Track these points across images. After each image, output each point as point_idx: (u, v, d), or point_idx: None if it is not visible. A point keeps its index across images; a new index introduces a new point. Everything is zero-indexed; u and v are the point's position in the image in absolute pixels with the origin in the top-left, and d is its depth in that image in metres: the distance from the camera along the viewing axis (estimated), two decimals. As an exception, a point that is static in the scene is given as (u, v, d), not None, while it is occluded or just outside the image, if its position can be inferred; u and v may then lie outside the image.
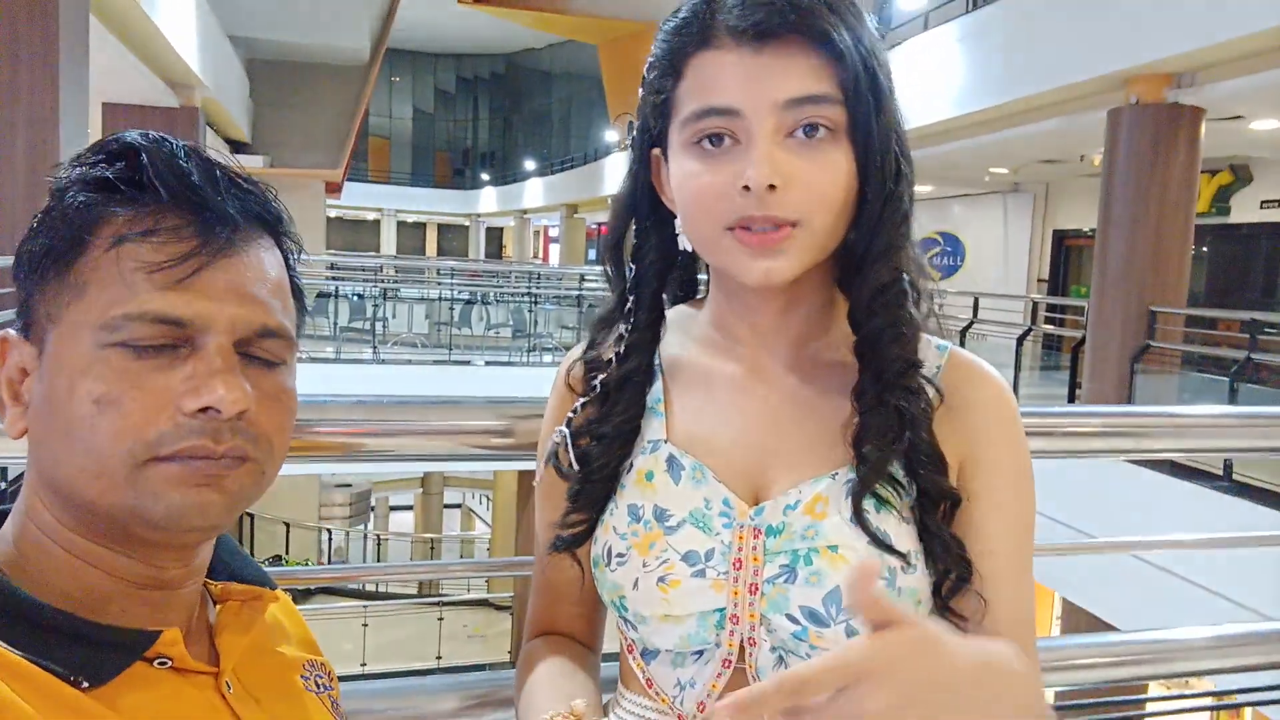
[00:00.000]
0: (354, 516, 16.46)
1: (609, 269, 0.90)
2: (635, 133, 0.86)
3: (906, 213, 0.80)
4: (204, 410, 0.64)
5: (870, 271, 0.79)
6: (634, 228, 0.89)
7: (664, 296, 0.90)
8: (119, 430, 0.63)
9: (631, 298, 0.88)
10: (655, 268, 0.88)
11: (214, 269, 0.66)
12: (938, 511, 0.81)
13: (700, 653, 0.83)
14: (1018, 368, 8.72)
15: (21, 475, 0.73)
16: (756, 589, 0.80)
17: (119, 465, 0.63)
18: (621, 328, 0.89)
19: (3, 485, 3.20)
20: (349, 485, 17.46)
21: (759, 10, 0.74)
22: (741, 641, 0.81)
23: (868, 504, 0.79)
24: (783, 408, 0.85)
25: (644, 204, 0.87)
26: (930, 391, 0.81)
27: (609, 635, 0.96)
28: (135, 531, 0.66)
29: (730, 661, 0.82)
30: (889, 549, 0.78)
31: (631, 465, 0.86)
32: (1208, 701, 2.90)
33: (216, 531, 0.71)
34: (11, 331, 0.68)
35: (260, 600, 0.77)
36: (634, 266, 0.88)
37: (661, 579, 0.81)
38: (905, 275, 0.80)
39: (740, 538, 0.81)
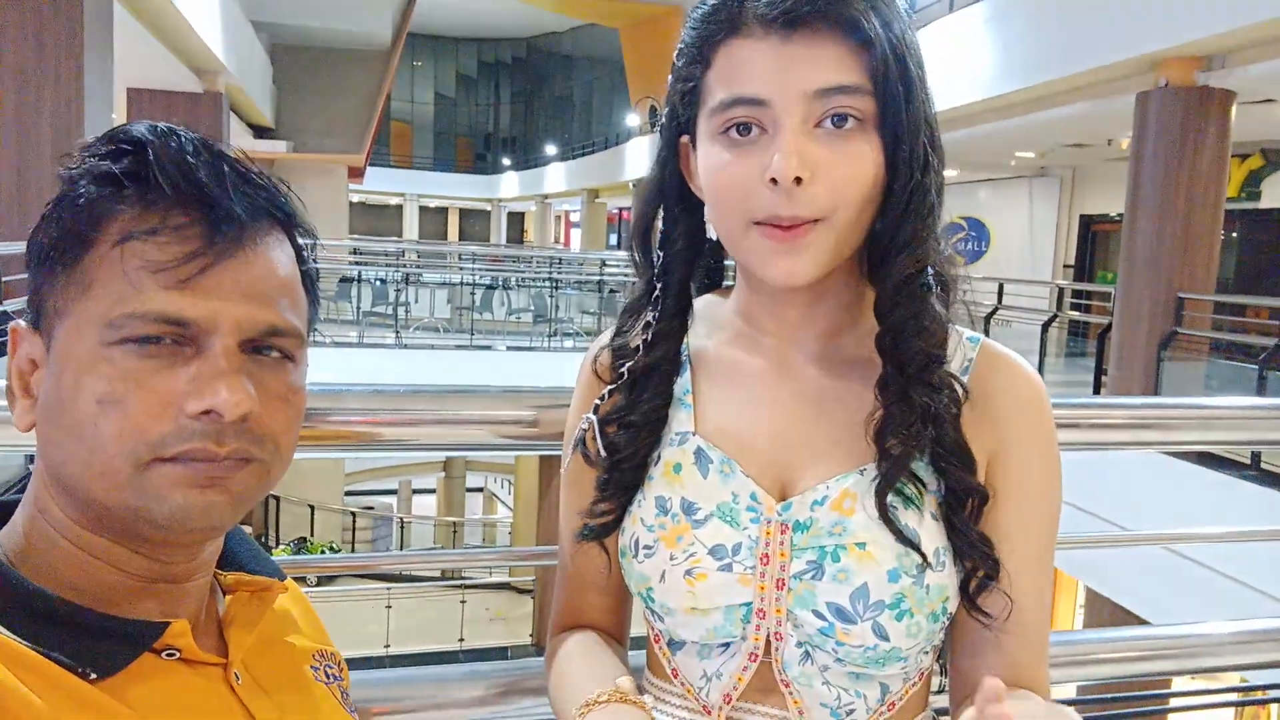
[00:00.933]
0: (377, 540, 16.49)
1: (636, 256, 0.89)
2: (664, 119, 0.85)
3: (933, 204, 0.78)
4: (206, 413, 0.64)
5: (894, 264, 0.78)
6: (662, 215, 0.88)
7: (691, 285, 0.90)
8: (121, 430, 0.63)
9: (659, 285, 0.88)
10: (682, 255, 0.87)
11: (221, 268, 0.65)
12: (965, 508, 0.80)
13: (726, 645, 0.83)
14: (1043, 354, 8.65)
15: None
16: (783, 584, 0.80)
17: (122, 465, 0.63)
18: (649, 316, 0.88)
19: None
20: (371, 508, 17.54)
21: None
22: (768, 636, 0.81)
23: (894, 500, 0.78)
24: (810, 402, 0.85)
25: (672, 191, 0.86)
26: (956, 387, 0.80)
27: (636, 621, 0.96)
28: (141, 530, 0.66)
29: (756, 655, 0.82)
30: (915, 547, 0.78)
31: (659, 457, 0.86)
32: (1234, 697, 2.87)
33: (221, 531, 0.71)
34: (22, 323, 0.68)
35: (269, 591, 0.77)
36: (661, 254, 0.88)
37: (688, 572, 0.81)
38: (931, 268, 0.79)
39: (767, 533, 0.80)
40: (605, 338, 0.93)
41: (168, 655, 0.66)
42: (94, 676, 0.61)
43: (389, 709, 1.13)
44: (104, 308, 0.63)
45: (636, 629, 0.93)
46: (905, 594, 0.77)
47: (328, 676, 0.81)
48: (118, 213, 0.64)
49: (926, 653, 0.82)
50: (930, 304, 0.79)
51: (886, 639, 0.77)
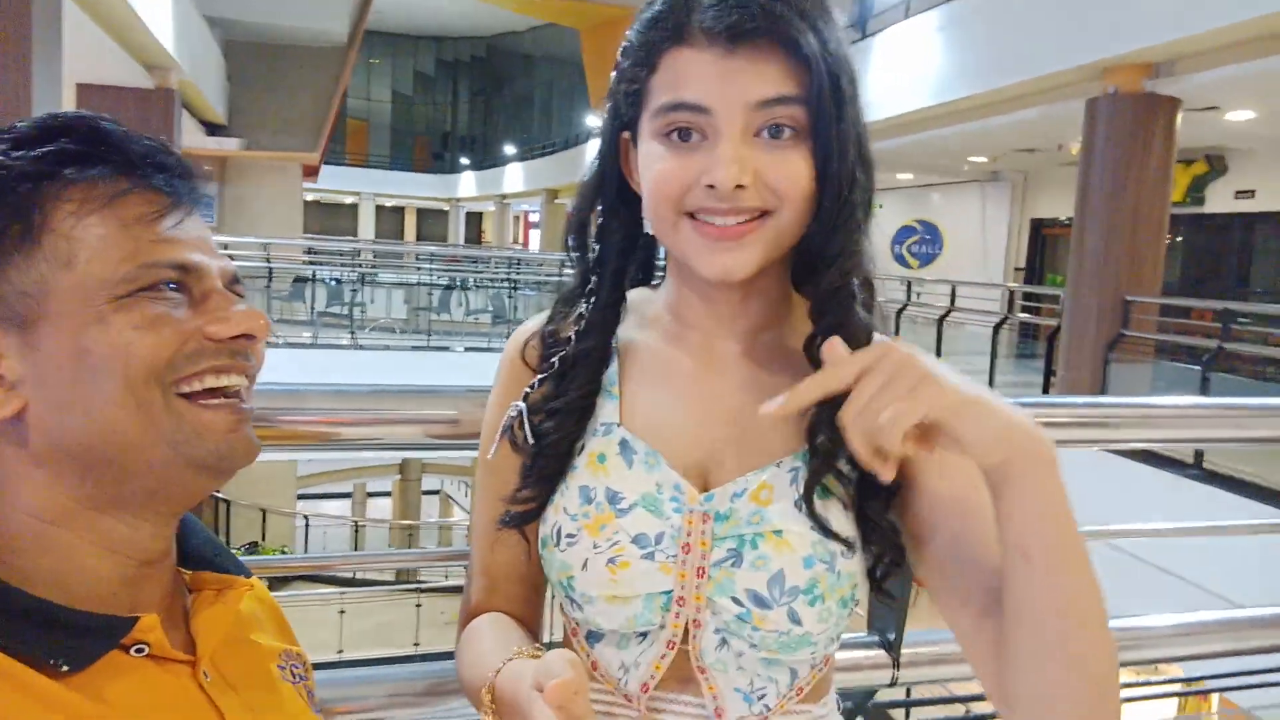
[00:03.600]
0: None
1: (572, 249, 0.92)
2: (605, 115, 0.87)
3: (860, 220, 0.82)
4: (235, 339, 0.70)
5: (824, 275, 0.82)
6: (600, 209, 0.90)
7: (625, 279, 0.92)
8: (156, 347, 0.67)
9: (594, 278, 0.90)
10: (618, 248, 0.90)
11: (190, 221, 0.71)
12: (877, 499, 0.83)
13: (645, 634, 0.85)
14: (994, 355, 8.79)
15: None
16: (704, 572, 0.82)
17: (155, 390, 0.67)
18: (582, 307, 0.90)
19: None
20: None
21: (734, 13, 0.75)
22: (686, 624, 0.83)
23: (815, 493, 0.82)
24: (735, 396, 0.87)
25: (610, 186, 0.89)
26: None
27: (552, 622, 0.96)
28: (168, 475, 0.68)
29: (674, 644, 0.84)
30: (832, 535, 0.81)
31: (584, 447, 0.88)
32: (1176, 688, 2.94)
33: (250, 462, 0.75)
34: None
35: (235, 589, 0.77)
36: (597, 247, 0.90)
37: (611, 560, 0.83)
38: (855, 279, 0.83)
39: (689, 522, 0.83)
40: (532, 325, 0.95)
41: (136, 652, 0.66)
42: (66, 668, 0.61)
43: (350, 708, 1.13)
44: (106, 268, 0.66)
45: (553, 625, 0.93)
46: (818, 579, 0.80)
47: (294, 676, 0.81)
48: (69, 186, 0.67)
49: (833, 639, 0.85)
50: (855, 310, 0.83)
51: (800, 624, 0.80)
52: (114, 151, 0.69)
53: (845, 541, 0.82)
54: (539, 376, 0.90)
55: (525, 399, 0.90)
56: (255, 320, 0.71)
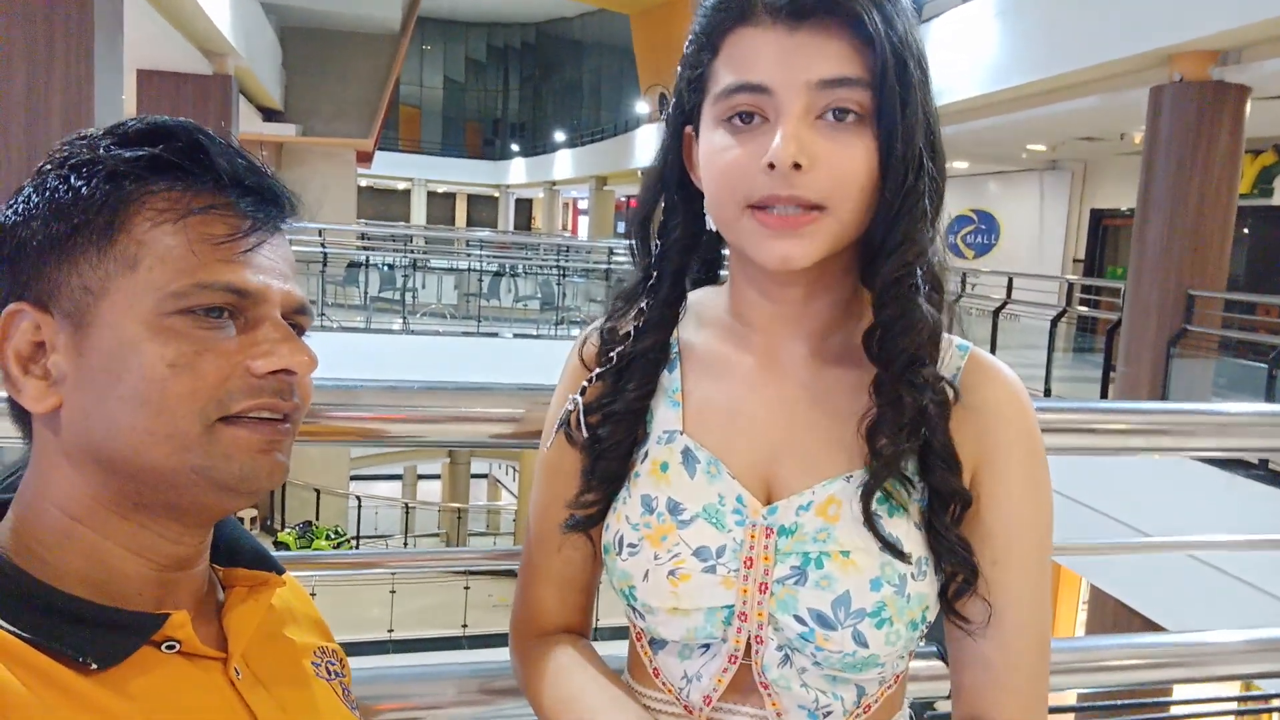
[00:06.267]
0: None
1: (635, 244, 0.90)
2: (670, 109, 0.86)
3: (926, 208, 0.78)
4: (275, 373, 0.69)
5: (885, 264, 0.78)
6: (662, 204, 0.89)
7: (686, 278, 0.90)
8: (194, 390, 0.66)
9: (654, 273, 0.89)
10: (680, 244, 0.88)
11: (268, 245, 0.71)
12: (948, 513, 0.80)
13: (707, 646, 0.83)
14: (1051, 350, 8.60)
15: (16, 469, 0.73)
16: (766, 588, 0.80)
17: (191, 424, 0.66)
18: (642, 303, 0.89)
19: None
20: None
21: None
22: (749, 638, 0.81)
23: (880, 508, 0.79)
24: (800, 402, 0.85)
25: (673, 180, 0.87)
26: (945, 388, 0.80)
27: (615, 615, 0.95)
28: (196, 495, 0.67)
29: (736, 658, 0.82)
30: (900, 555, 0.78)
31: (647, 454, 0.86)
32: (1235, 705, 2.86)
33: (276, 486, 0.75)
34: (25, 305, 0.67)
35: (267, 586, 0.77)
36: (659, 242, 0.89)
37: (672, 572, 0.81)
38: (919, 270, 0.79)
39: (752, 536, 0.81)
40: (597, 323, 0.94)
41: (168, 648, 0.66)
42: (94, 666, 0.61)
43: (393, 706, 1.12)
44: (163, 279, 0.66)
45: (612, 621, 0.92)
46: (886, 603, 0.78)
47: (329, 673, 0.81)
48: (150, 194, 0.67)
49: (903, 657, 0.82)
50: (918, 304, 0.79)
51: (865, 646, 0.78)
52: (208, 167, 0.68)
53: (915, 562, 0.79)
54: (596, 372, 0.89)
55: (582, 394, 0.89)
56: (298, 357, 0.69)
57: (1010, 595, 0.82)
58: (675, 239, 0.88)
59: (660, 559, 0.81)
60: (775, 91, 0.75)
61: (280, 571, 0.80)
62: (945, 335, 0.84)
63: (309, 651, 0.80)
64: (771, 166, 0.74)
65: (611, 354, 0.89)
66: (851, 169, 0.75)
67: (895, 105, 0.75)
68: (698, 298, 0.92)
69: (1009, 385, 0.84)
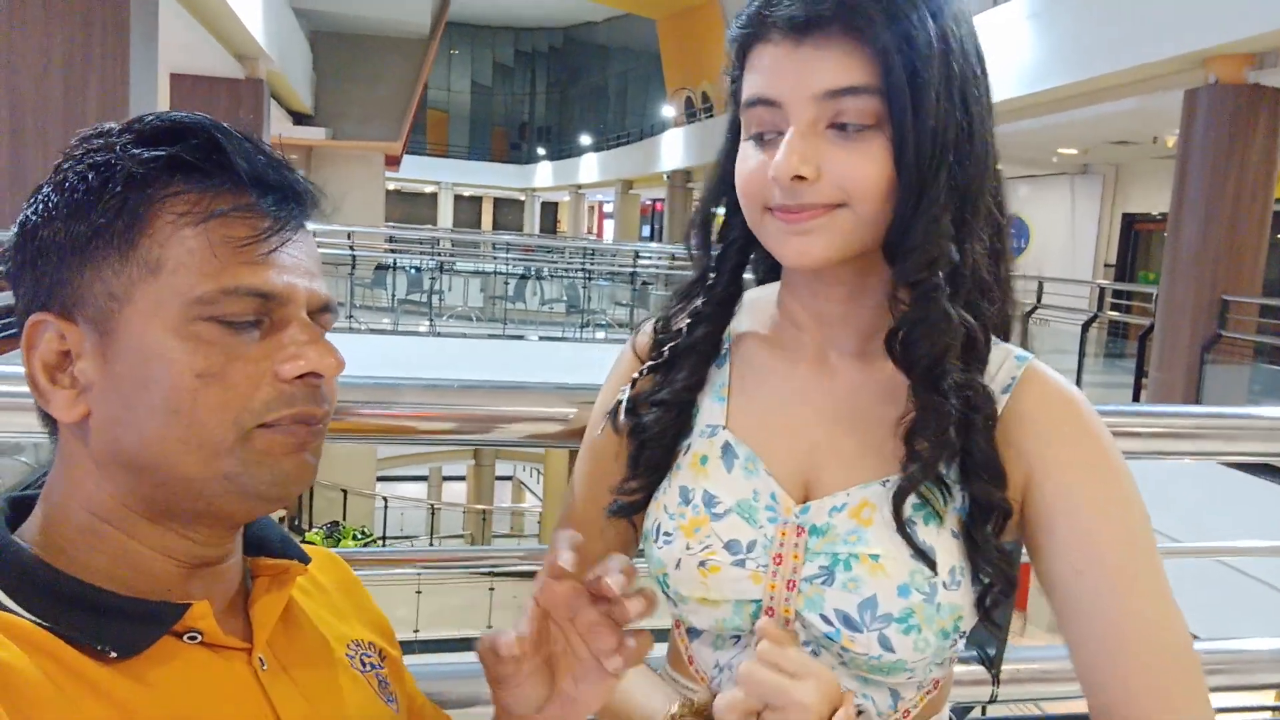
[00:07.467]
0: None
1: (693, 245, 0.92)
2: (728, 111, 0.88)
3: (944, 207, 0.77)
4: (303, 377, 0.67)
5: (902, 266, 0.78)
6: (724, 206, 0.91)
7: (743, 276, 0.92)
8: (225, 401, 0.65)
9: (713, 272, 0.90)
10: (736, 245, 0.90)
11: (292, 243, 0.69)
12: (989, 523, 0.79)
13: (738, 638, 0.85)
14: (1082, 355, 8.52)
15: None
16: (794, 585, 0.81)
17: (225, 434, 0.65)
18: (698, 300, 0.90)
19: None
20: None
21: (800, 3, 0.75)
22: None
23: (916, 515, 0.78)
24: (843, 403, 0.85)
25: (729, 185, 0.88)
26: (985, 396, 0.79)
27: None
28: (220, 503, 0.67)
29: None
30: (930, 563, 0.77)
31: (689, 446, 0.88)
32: (1269, 717, 2.81)
33: (306, 488, 0.74)
34: (48, 315, 0.66)
35: (288, 574, 0.76)
36: (720, 243, 0.91)
37: (702, 563, 0.82)
38: (940, 274, 0.78)
39: (783, 533, 0.81)
40: (652, 317, 0.96)
41: (190, 639, 0.66)
42: (114, 655, 0.62)
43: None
44: (187, 284, 0.64)
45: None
46: (914, 610, 0.77)
47: (364, 664, 0.80)
48: (173, 195, 0.66)
49: (939, 664, 0.81)
50: (939, 307, 0.77)
51: (891, 650, 0.77)
52: (227, 166, 0.67)
53: (947, 571, 0.78)
54: (648, 364, 0.91)
55: (633, 385, 0.91)
56: (325, 360, 0.68)
57: (1101, 604, 0.77)
58: (733, 239, 0.89)
59: (692, 549, 0.83)
60: (784, 104, 0.76)
61: (305, 560, 0.79)
62: (1002, 345, 0.84)
63: (344, 642, 0.80)
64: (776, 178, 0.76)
65: (663, 348, 0.90)
66: (862, 175, 0.75)
67: (905, 110, 0.74)
68: (753, 296, 0.93)
69: (1064, 397, 0.83)
